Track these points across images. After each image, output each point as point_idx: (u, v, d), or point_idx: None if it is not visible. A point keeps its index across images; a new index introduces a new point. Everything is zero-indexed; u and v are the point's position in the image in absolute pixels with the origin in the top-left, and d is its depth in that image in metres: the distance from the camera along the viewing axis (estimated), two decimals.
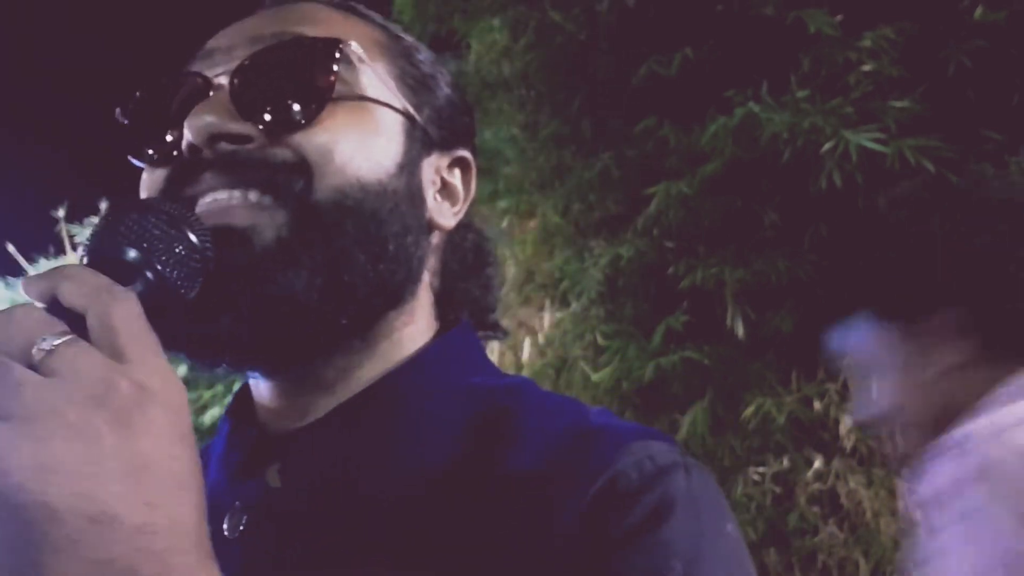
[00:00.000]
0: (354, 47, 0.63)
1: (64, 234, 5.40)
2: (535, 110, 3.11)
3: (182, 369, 1.77)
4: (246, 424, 0.66)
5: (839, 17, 2.41)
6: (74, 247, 5.38)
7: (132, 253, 0.51)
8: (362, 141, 0.61)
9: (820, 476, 2.42)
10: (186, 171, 0.60)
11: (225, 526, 0.59)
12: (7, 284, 5.33)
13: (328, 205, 0.58)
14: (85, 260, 0.51)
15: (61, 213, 5.38)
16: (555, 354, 3.00)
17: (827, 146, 2.25)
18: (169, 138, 0.62)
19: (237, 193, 0.58)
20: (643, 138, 2.71)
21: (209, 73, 0.62)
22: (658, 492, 0.54)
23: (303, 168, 0.59)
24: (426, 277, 0.67)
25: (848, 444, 2.42)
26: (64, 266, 0.48)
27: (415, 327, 0.66)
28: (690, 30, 2.66)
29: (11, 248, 5.29)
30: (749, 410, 2.41)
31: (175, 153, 0.61)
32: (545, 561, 0.52)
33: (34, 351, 0.42)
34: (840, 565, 2.40)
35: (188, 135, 0.58)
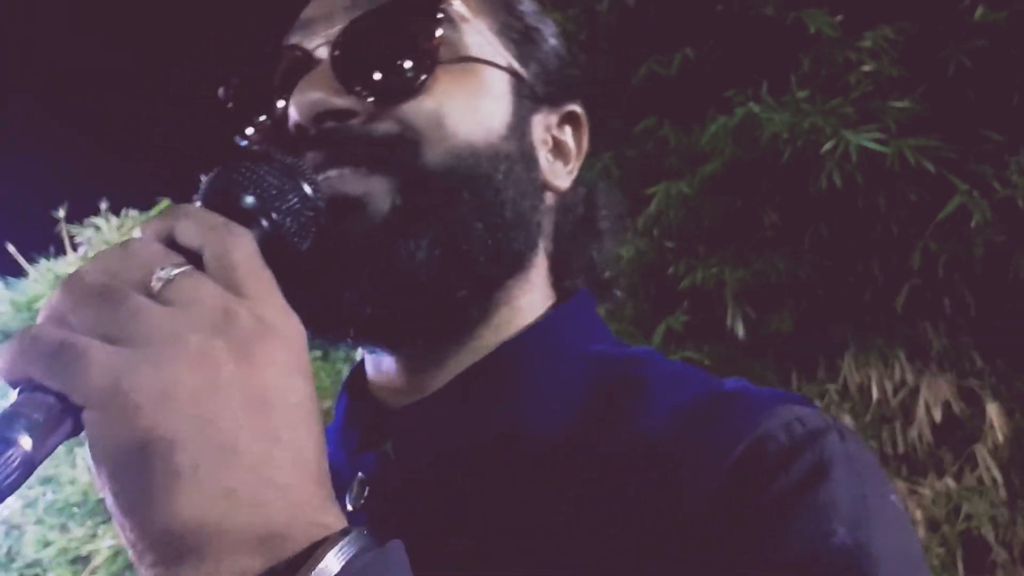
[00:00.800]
0: (456, 5, 0.60)
1: (64, 234, 5.40)
2: None
3: None
4: (363, 398, 0.65)
5: (839, 17, 2.41)
6: (74, 247, 5.38)
7: (249, 199, 0.49)
8: (470, 105, 0.59)
9: None
10: (291, 149, 0.58)
11: (348, 499, 0.58)
12: (7, 284, 5.32)
13: (441, 172, 0.57)
14: (199, 204, 0.50)
15: (61, 213, 5.38)
16: None
17: (827, 146, 2.25)
18: (275, 117, 0.61)
19: (347, 171, 0.56)
20: (643, 138, 2.71)
21: (309, 45, 0.60)
22: (814, 453, 0.49)
23: (410, 137, 0.57)
24: (541, 243, 0.65)
25: None
26: (182, 205, 0.46)
27: (534, 295, 0.64)
28: (690, 30, 2.66)
29: (11, 248, 5.29)
30: None
31: (282, 132, 0.59)
32: (685, 529, 0.49)
33: (152, 281, 0.41)
34: None
35: (294, 114, 0.57)
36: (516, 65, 0.63)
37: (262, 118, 0.62)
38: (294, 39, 0.62)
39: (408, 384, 0.62)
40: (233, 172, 0.50)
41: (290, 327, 0.43)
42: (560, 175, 0.66)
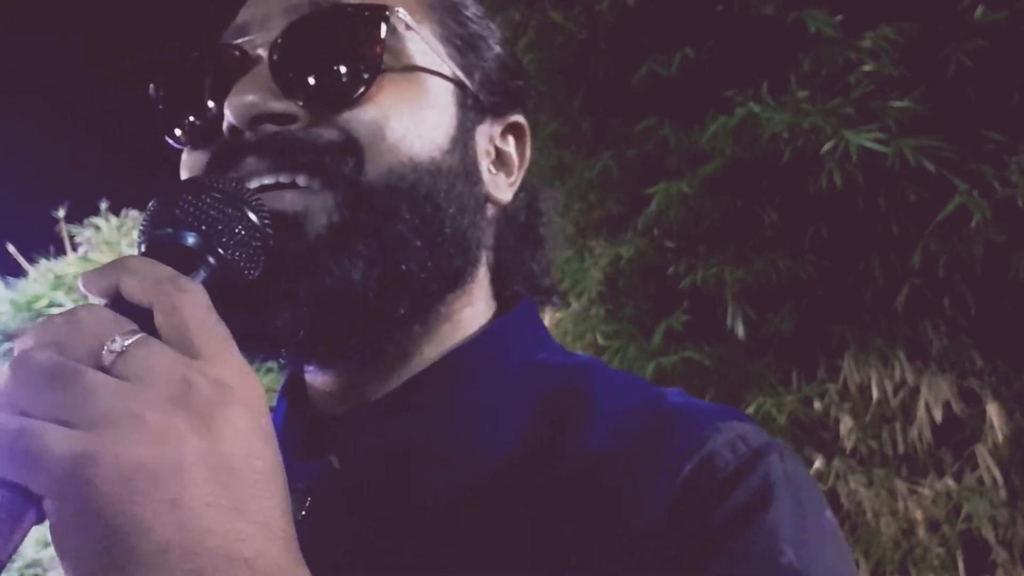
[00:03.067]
0: (401, 14, 0.58)
1: (64, 234, 5.40)
2: (535, 110, 3.10)
3: None
4: (303, 404, 0.64)
5: (839, 17, 2.41)
6: (74, 247, 5.38)
7: (191, 239, 0.47)
8: (413, 116, 0.57)
9: (820, 476, 2.42)
10: (228, 153, 0.56)
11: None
12: (7, 284, 5.32)
13: (381, 188, 0.55)
14: (143, 248, 0.48)
15: (61, 213, 5.38)
16: None
17: (827, 146, 2.25)
18: (208, 117, 0.59)
19: (283, 178, 0.55)
20: (643, 138, 2.70)
21: (246, 46, 0.58)
22: (759, 475, 0.51)
23: (352, 148, 0.55)
24: (483, 255, 0.64)
25: (848, 444, 2.42)
26: (125, 258, 0.45)
27: (475, 307, 0.63)
28: (690, 30, 2.66)
29: (11, 248, 5.29)
30: (749, 410, 2.41)
31: (215, 133, 0.57)
32: (635, 547, 0.49)
33: (104, 353, 0.39)
34: None
35: (229, 116, 0.55)
36: (461, 74, 0.61)
37: (196, 119, 0.59)
38: (229, 39, 0.60)
39: (347, 393, 0.61)
40: (173, 208, 0.48)
41: (248, 387, 0.42)
42: (502, 187, 0.65)
